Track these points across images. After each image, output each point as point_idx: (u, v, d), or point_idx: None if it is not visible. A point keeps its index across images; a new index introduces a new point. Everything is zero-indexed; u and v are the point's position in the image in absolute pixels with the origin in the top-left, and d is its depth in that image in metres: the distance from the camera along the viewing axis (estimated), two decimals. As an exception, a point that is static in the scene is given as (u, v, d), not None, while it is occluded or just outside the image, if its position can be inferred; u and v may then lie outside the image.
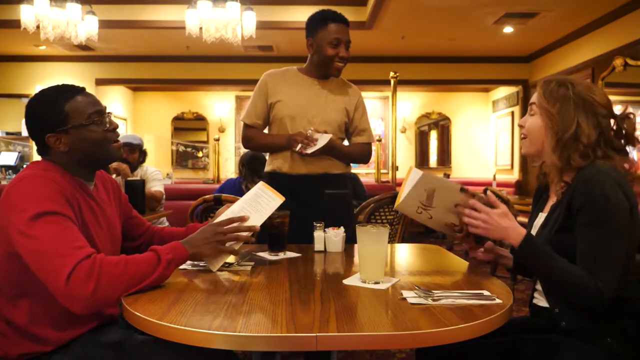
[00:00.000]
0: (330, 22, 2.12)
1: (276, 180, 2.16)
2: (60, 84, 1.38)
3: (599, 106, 1.29)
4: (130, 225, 1.61)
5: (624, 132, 1.32)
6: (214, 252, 1.38)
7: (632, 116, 1.33)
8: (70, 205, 1.24)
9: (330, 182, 2.14)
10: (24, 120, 1.37)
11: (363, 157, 2.28)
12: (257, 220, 1.48)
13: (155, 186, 3.72)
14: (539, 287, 1.38)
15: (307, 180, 2.13)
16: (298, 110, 2.15)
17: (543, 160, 1.40)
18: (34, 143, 1.38)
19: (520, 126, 1.43)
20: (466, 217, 1.36)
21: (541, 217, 1.42)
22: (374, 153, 2.38)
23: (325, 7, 2.23)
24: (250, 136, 2.24)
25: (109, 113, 1.39)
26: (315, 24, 2.16)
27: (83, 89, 1.38)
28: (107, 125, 1.37)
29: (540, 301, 1.37)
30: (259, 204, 1.52)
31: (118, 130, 1.42)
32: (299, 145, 2.02)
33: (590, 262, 1.19)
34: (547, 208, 1.40)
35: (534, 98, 1.39)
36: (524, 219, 2.25)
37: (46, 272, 1.12)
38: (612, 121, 1.33)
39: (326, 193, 2.11)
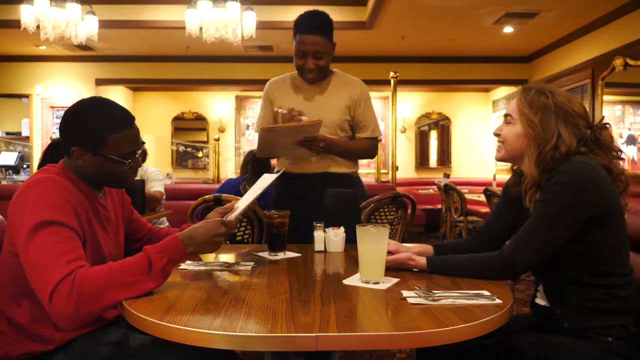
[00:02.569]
0: (298, 34, 2.05)
1: (281, 180, 2.16)
2: (115, 104, 1.35)
3: (577, 117, 1.31)
4: (132, 227, 1.60)
5: (602, 142, 1.32)
6: (214, 249, 1.34)
7: (608, 126, 1.34)
8: (77, 215, 1.23)
9: (332, 182, 2.13)
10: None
11: (365, 152, 2.22)
12: (248, 198, 1.56)
13: (156, 186, 3.72)
14: (540, 287, 1.39)
15: (307, 179, 2.13)
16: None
17: (518, 165, 1.42)
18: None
19: (497, 134, 1.43)
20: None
21: None
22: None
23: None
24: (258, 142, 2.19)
25: (143, 143, 1.39)
26: (294, 29, 2.09)
27: (132, 120, 1.35)
28: (132, 164, 1.35)
29: (542, 301, 1.37)
30: (259, 188, 1.59)
31: None
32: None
33: (520, 235, 1.29)
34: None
35: (510, 108, 1.39)
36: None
37: (34, 285, 1.13)
38: (589, 132, 1.32)
39: (328, 192, 2.10)
